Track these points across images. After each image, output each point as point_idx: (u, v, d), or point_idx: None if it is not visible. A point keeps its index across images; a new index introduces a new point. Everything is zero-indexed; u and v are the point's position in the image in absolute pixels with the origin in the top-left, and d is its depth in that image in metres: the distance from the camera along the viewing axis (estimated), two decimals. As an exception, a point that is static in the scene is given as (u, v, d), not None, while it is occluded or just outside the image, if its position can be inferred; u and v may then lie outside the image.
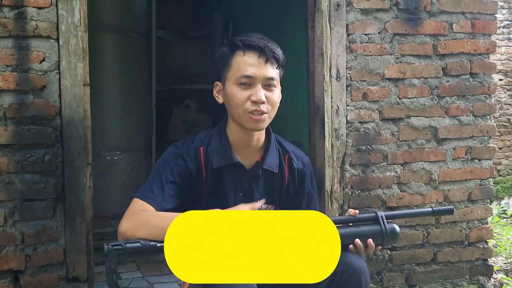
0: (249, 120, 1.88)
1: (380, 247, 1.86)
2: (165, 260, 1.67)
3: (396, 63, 2.83)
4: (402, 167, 2.88)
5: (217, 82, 1.95)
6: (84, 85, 2.36)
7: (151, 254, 2.04)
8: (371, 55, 2.79)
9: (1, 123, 2.27)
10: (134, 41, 4.58)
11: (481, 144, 3.00)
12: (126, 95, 4.38)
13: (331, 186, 2.76)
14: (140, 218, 1.82)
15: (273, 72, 1.89)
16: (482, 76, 2.99)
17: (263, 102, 1.86)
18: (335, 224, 1.94)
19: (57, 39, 2.31)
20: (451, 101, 2.94)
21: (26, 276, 2.33)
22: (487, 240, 3.06)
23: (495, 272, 3.16)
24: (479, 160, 3.01)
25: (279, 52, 1.91)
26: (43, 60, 2.30)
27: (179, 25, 5.63)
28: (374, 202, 2.83)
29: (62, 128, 2.33)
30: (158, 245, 1.75)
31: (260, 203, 1.92)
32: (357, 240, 1.83)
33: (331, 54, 2.72)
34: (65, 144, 2.33)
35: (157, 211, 1.85)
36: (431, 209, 2.01)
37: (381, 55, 2.80)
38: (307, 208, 2.11)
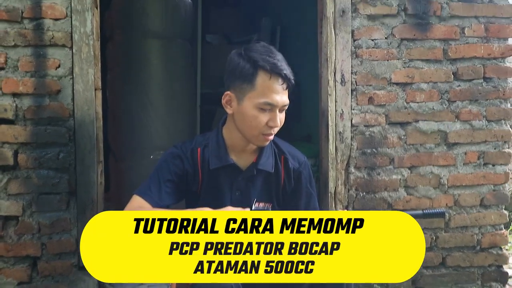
0: (261, 140, 2.01)
1: None
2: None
3: (404, 67, 2.86)
4: (409, 171, 2.90)
5: (230, 93, 2.00)
6: (95, 89, 2.57)
7: None
8: (377, 60, 2.84)
9: (21, 124, 2.52)
10: (178, 46, 4.79)
11: (495, 149, 2.97)
12: (170, 98, 4.59)
13: (335, 187, 2.83)
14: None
15: (287, 98, 1.98)
16: (496, 81, 2.95)
17: (277, 127, 1.98)
18: None
19: (71, 48, 2.53)
20: (462, 105, 2.93)
21: (42, 262, 2.57)
22: (502, 247, 3.02)
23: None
24: (493, 165, 2.97)
25: (293, 76, 1.98)
26: (59, 66, 2.53)
27: (227, 30, 5.81)
28: (380, 205, 2.87)
29: (75, 129, 2.55)
30: None
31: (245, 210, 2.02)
32: None
33: (335, 59, 2.79)
34: (77, 144, 2.55)
35: (153, 207, 2.00)
36: (421, 211, 2.07)
37: (387, 60, 2.84)
38: (307, 206, 2.21)
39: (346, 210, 2.85)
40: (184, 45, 4.89)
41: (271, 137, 2.02)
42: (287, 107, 1.99)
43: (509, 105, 2.98)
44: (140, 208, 2.01)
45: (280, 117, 1.98)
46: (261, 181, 2.13)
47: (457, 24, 2.90)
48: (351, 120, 2.83)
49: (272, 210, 2.15)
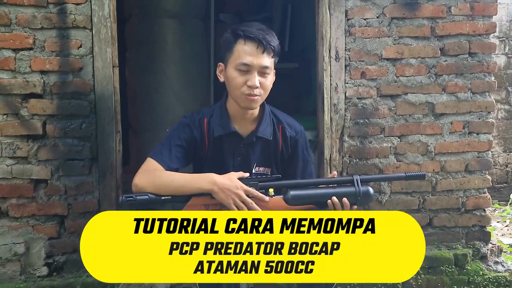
0: (244, 100, 2.25)
1: (355, 207, 2.16)
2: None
3: (394, 44, 3.11)
4: (399, 139, 3.17)
5: (220, 63, 2.32)
6: (113, 66, 2.87)
7: (156, 206, 2.31)
8: (369, 38, 3.09)
9: (48, 98, 2.83)
10: (193, 25, 5.02)
11: (479, 119, 3.22)
12: (185, 74, 4.84)
13: (330, 154, 3.11)
14: (149, 175, 2.23)
15: (268, 61, 2.23)
16: (481, 56, 3.19)
17: (257, 87, 2.22)
18: (316, 185, 2.30)
19: (91, 29, 2.82)
20: (448, 79, 3.17)
21: (68, 220, 2.90)
22: (485, 208, 3.28)
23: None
24: (477, 134, 3.22)
25: (275, 43, 2.24)
26: (80, 46, 2.83)
27: (240, 9, 6.04)
28: (372, 170, 3.15)
29: (95, 102, 2.85)
30: (162, 198, 2.17)
31: (245, 174, 2.20)
32: (334, 198, 2.14)
33: (330, 37, 3.05)
34: (97, 115, 2.86)
35: (165, 169, 2.26)
36: (404, 174, 2.33)
37: (379, 38, 3.09)
38: (303, 171, 2.45)
39: (340, 175, 3.13)
40: (198, 24, 5.12)
41: (254, 98, 2.23)
42: (268, 70, 2.22)
43: (492, 78, 3.21)
44: (154, 169, 2.25)
45: (261, 80, 2.21)
46: (260, 148, 2.38)
47: (444, 3, 3.13)
48: (345, 93, 3.10)
49: (271, 174, 2.42)
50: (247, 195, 2.12)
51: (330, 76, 3.07)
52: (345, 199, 2.15)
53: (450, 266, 3.17)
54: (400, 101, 3.15)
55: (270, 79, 2.27)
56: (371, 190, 2.24)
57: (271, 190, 2.23)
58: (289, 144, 2.42)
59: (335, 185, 2.24)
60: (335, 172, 2.41)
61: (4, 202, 2.83)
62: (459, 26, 3.15)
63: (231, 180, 2.17)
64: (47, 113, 2.83)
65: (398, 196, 3.18)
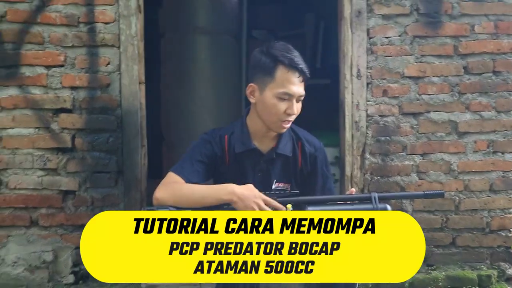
0: (280, 127, 2.28)
1: None
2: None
3: (416, 62, 3.12)
4: (421, 157, 3.17)
5: (252, 84, 2.30)
6: (139, 83, 2.98)
7: None
8: (391, 56, 3.11)
9: (77, 112, 2.96)
10: (225, 41, 5.14)
11: (504, 138, 3.19)
12: (216, 90, 4.93)
13: (351, 171, 3.13)
14: (170, 188, 2.28)
15: (303, 89, 2.26)
16: (505, 74, 3.16)
17: (294, 115, 2.27)
18: (334, 201, 2.33)
19: (119, 47, 2.95)
20: (472, 97, 3.16)
21: (94, 231, 3.01)
22: (510, 229, 3.23)
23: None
24: (502, 153, 3.19)
25: (308, 71, 2.25)
26: (108, 63, 2.96)
27: (272, 25, 6.12)
28: (393, 188, 3.15)
29: (122, 117, 2.97)
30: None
31: None
32: None
33: (352, 55, 3.09)
34: (123, 130, 2.97)
35: (185, 182, 2.28)
36: (422, 192, 2.33)
37: (401, 56, 3.11)
38: (323, 187, 2.47)
39: (361, 192, 3.14)
40: (230, 40, 5.23)
41: (288, 125, 2.28)
42: (303, 97, 2.26)
43: (518, 97, 3.19)
44: (174, 182, 2.31)
45: (297, 107, 2.25)
46: (280, 164, 2.40)
47: (467, 22, 3.13)
48: (367, 111, 3.12)
49: (291, 189, 2.45)
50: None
51: (352, 94, 3.10)
52: None
53: (473, 287, 3.13)
54: (422, 119, 3.15)
55: (300, 104, 2.31)
56: (389, 207, 2.24)
57: (289, 206, 2.25)
58: (308, 161, 2.44)
59: (353, 202, 2.27)
60: (353, 189, 2.43)
61: (35, 212, 2.96)
62: (483, 44, 3.14)
63: (250, 190, 2.20)
64: (76, 127, 2.96)
65: (420, 215, 3.18)
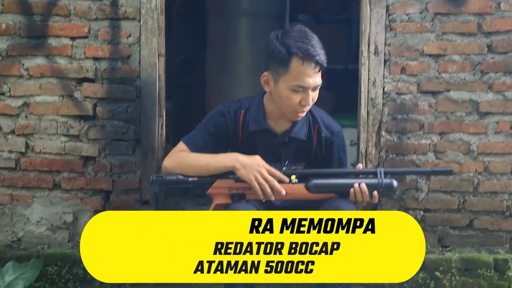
0: (295, 116, 2.32)
1: (376, 197, 2.19)
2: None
3: (437, 40, 3.06)
4: (439, 137, 3.10)
5: (266, 73, 2.32)
6: (159, 55, 3.08)
7: (184, 185, 2.45)
8: (410, 33, 3.06)
9: (99, 82, 3.10)
10: (266, 24, 5.16)
11: (529, 120, 3.08)
12: (255, 73, 4.98)
13: (365, 148, 3.12)
14: (177, 156, 2.40)
15: (320, 78, 2.26)
16: (532, 54, 3.06)
17: (309, 105, 2.29)
18: (341, 176, 2.35)
19: (139, 20, 3.05)
20: (495, 77, 3.06)
21: (112, 196, 3.14)
22: (533, 215, 3.12)
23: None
24: (526, 135, 3.09)
25: (326, 58, 2.23)
26: (129, 36, 3.07)
27: (318, 9, 6.09)
28: (409, 166, 3.08)
29: (141, 88, 3.08)
30: (190, 179, 2.33)
31: None
32: (355, 185, 2.18)
33: (370, 32, 3.07)
34: (142, 100, 3.08)
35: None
36: (430, 168, 2.33)
37: (420, 33, 3.05)
38: None
39: (377, 168, 3.11)
40: (272, 23, 5.25)
41: (303, 114, 2.29)
42: (319, 86, 2.26)
43: (546, 77, 3.06)
44: (182, 151, 2.41)
45: (313, 95, 2.25)
46: (293, 147, 2.41)
47: (493, -1, 3.04)
48: (383, 88, 3.09)
49: (303, 169, 2.42)
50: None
51: (368, 71, 3.08)
52: (363, 186, 2.17)
53: (489, 270, 3.05)
54: (441, 98, 3.09)
55: (317, 92, 2.30)
56: (394, 183, 2.26)
57: (293, 177, 2.29)
58: (323, 145, 2.43)
59: (358, 176, 2.28)
60: (360, 164, 2.44)
61: (58, 175, 3.13)
62: (508, 22, 3.03)
63: (254, 159, 2.25)
64: (98, 96, 3.09)
65: (436, 195, 3.12)
